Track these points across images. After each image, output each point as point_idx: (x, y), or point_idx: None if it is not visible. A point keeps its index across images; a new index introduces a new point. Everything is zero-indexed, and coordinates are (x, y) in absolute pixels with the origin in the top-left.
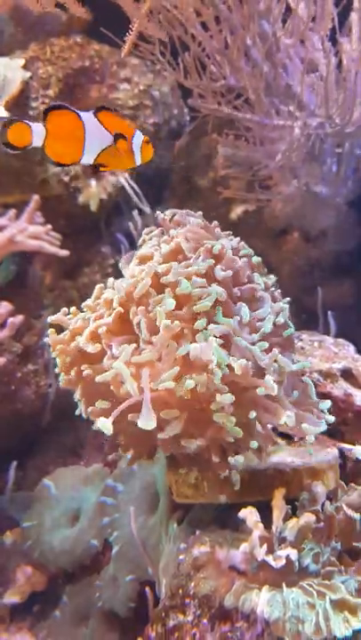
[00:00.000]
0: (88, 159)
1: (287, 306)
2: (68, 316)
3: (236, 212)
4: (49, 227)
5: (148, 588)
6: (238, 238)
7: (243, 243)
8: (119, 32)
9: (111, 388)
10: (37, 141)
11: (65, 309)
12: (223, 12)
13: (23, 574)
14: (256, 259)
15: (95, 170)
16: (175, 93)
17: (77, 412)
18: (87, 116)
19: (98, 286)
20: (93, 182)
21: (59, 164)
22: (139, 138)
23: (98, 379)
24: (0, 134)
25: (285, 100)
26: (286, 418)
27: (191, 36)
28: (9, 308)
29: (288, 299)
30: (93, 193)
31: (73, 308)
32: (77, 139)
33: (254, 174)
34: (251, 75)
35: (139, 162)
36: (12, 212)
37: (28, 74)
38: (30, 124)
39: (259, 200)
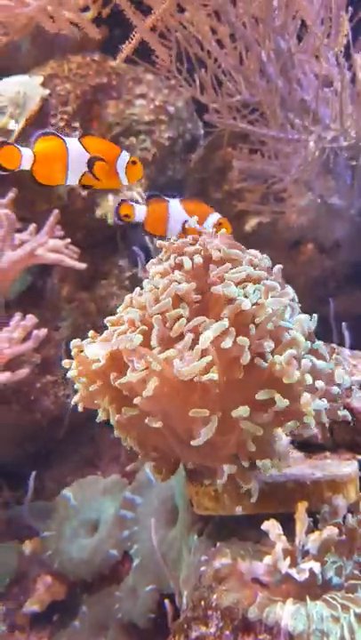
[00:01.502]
0: (73, 180)
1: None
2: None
3: (251, 223)
4: (68, 240)
5: (167, 600)
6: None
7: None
8: (135, 49)
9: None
10: (26, 165)
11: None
12: (239, 29)
13: (43, 584)
14: (277, 267)
15: (86, 188)
16: (190, 108)
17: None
18: (71, 142)
19: (124, 302)
20: (110, 196)
21: (44, 186)
22: (123, 159)
23: (122, 380)
24: None
25: (300, 114)
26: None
27: (207, 52)
28: (34, 321)
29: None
30: (110, 207)
31: (91, 332)
32: (61, 162)
33: (269, 187)
34: (266, 90)
35: (125, 182)
36: (33, 226)
37: (47, 91)
38: (21, 148)
39: (273, 212)
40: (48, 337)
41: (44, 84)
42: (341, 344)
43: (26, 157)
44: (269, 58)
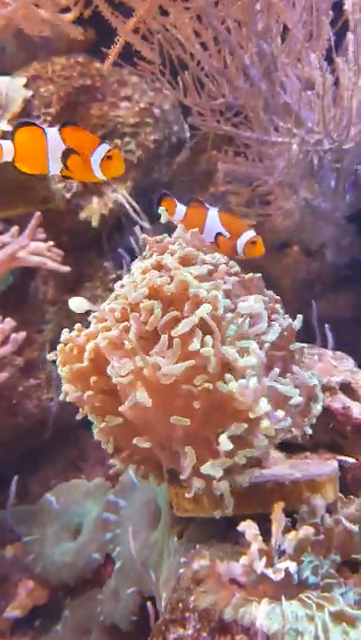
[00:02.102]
0: (55, 170)
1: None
2: (73, 333)
3: None
4: (51, 243)
5: (149, 603)
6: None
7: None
8: (121, 51)
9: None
10: (7, 157)
11: (66, 330)
12: (222, 33)
13: (25, 588)
14: (257, 275)
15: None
16: (176, 110)
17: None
18: (51, 132)
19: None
20: (95, 199)
21: (30, 174)
22: (99, 153)
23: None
24: None
25: (284, 117)
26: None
27: (190, 55)
28: (12, 324)
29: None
30: (95, 209)
31: (77, 325)
32: (41, 154)
33: (254, 190)
34: (249, 93)
35: (100, 176)
36: (15, 228)
37: (30, 92)
38: (0, 142)
39: (259, 215)
40: (31, 339)
41: (26, 86)
42: (325, 346)
43: (6, 150)
44: (252, 61)
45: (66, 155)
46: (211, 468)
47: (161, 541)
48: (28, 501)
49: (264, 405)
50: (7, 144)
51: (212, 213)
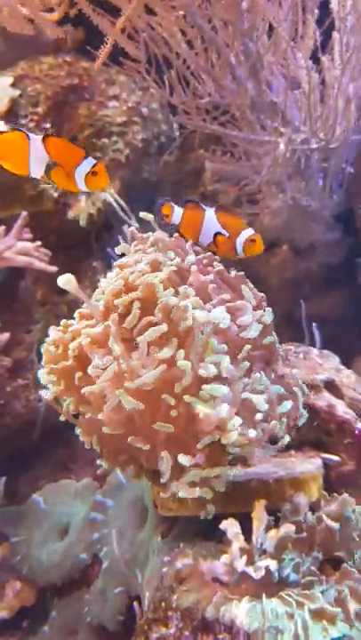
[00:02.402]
0: (36, 174)
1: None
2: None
3: None
4: (38, 243)
5: (136, 603)
6: (209, 254)
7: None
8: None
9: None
10: None
11: (53, 327)
12: (207, 31)
13: (12, 589)
14: (240, 273)
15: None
16: (164, 109)
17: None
18: (35, 139)
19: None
20: (83, 198)
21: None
22: (84, 168)
23: (85, 389)
24: None
25: (271, 116)
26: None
27: (176, 53)
28: None
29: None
30: (82, 208)
31: (63, 321)
32: (22, 156)
33: (241, 189)
34: (235, 92)
35: (84, 189)
36: (1, 228)
37: (17, 92)
38: None
39: (247, 214)
40: (19, 340)
41: (14, 85)
42: (314, 345)
43: None
44: (238, 60)
45: (49, 169)
46: (190, 477)
47: (147, 541)
48: (17, 502)
49: (235, 422)
50: None
51: (209, 214)
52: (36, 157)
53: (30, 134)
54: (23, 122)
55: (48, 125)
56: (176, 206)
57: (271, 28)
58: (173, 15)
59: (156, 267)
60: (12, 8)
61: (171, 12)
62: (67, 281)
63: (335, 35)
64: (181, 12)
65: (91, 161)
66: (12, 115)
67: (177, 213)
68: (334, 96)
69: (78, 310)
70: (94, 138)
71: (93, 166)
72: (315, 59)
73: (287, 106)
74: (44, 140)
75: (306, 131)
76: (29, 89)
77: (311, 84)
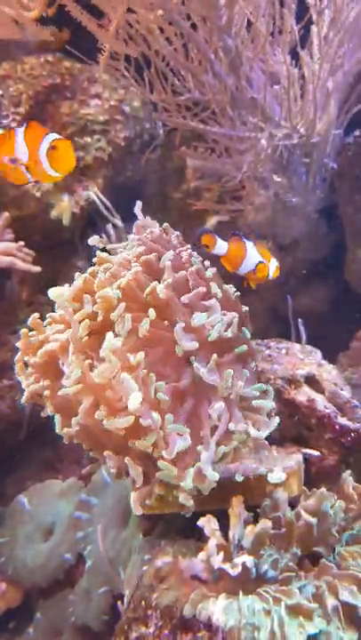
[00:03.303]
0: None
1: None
2: (32, 333)
3: (211, 222)
4: (21, 243)
5: (119, 602)
6: (189, 251)
7: (195, 254)
8: (90, 49)
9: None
10: None
11: (25, 331)
12: (185, 28)
13: None
14: (211, 270)
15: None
16: (147, 107)
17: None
18: (18, 131)
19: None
20: (66, 197)
21: None
22: (45, 144)
23: (60, 392)
24: None
25: (252, 112)
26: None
27: (155, 51)
28: None
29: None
30: (65, 207)
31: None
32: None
33: (223, 185)
34: (215, 88)
35: (49, 171)
36: None
37: None
38: None
39: (231, 210)
40: (4, 340)
41: None
42: (299, 340)
43: None
44: (217, 56)
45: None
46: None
47: (130, 539)
48: (3, 503)
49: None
50: None
51: (250, 246)
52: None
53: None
54: (5, 122)
55: None
56: (219, 239)
57: (250, 23)
58: (152, 12)
59: (120, 270)
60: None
61: (149, 10)
62: (58, 294)
63: (313, 29)
64: (160, 11)
65: (51, 135)
66: None
67: (221, 245)
68: (314, 91)
69: (49, 315)
70: (77, 136)
71: (54, 140)
72: (294, 54)
73: (267, 101)
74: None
75: (287, 126)
76: (11, 89)
77: (290, 79)
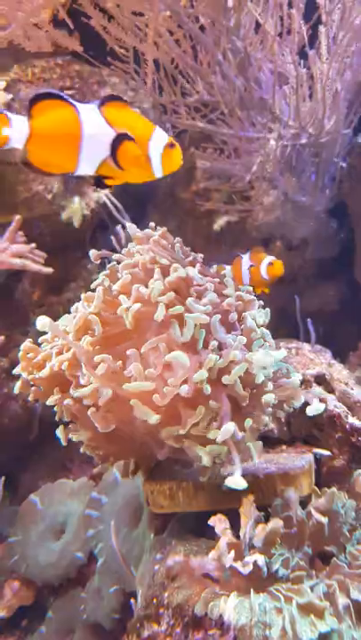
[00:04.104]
0: (86, 169)
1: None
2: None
3: (219, 223)
4: (33, 245)
5: (132, 600)
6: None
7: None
8: (100, 53)
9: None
10: (17, 141)
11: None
12: (193, 30)
13: (10, 589)
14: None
15: (99, 183)
16: (157, 110)
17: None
18: (87, 110)
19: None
20: (76, 199)
21: (44, 173)
22: (159, 142)
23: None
24: None
25: (260, 112)
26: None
27: (164, 52)
28: None
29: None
30: (76, 209)
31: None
32: (71, 142)
33: (233, 186)
34: (224, 89)
35: (159, 173)
36: None
37: (10, 96)
38: (10, 116)
39: (240, 211)
40: (16, 341)
41: (7, 89)
42: (308, 340)
43: (17, 130)
44: (225, 57)
45: (116, 143)
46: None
47: (142, 537)
48: (16, 502)
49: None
50: (20, 121)
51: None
52: (91, 139)
53: (77, 104)
54: None
55: None
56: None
57: (258, 24)
58: (160, 15)
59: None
60: (26, 28)
61: (157, 12)
62: (44, 324)
63: (322, 29)
64: (168, 13)
65: (161, 131)
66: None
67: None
68: (322, 91)
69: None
70: None
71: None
72: (303, 53)
73: (276, 102)
74: (99, 107)
75: (295, 126)
76: (22, 93)
77: (299, 80)
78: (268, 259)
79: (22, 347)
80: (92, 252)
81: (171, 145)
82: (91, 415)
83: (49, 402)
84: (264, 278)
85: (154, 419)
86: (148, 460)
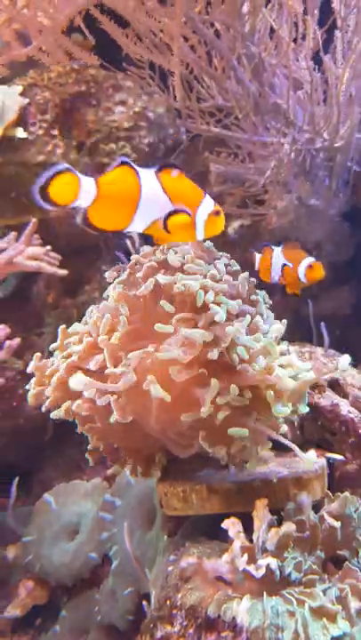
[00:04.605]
0: (137, 228)
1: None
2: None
3: (233, 226)
4: (48, 247)
5: (145, 602)
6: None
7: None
8: (115, 57)
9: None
10: (84, 201)
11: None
12: (208, 36)
13: (25, 588)
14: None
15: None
16: (171, 113)
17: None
18: (146, 175)
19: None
20: None
21: (97, 230)
22: (205, 209)
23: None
24: (40, 185)
25: (275, 117)
26: None
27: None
28: (7, 331)
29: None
30: None
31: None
32: (130, 203)
33: (246, 190)
34: (238, 94)
35: (201, 237)
36: (13, 234)
37: (26, 100)
38: (81, 176)
39: (254, 214)
40: (31, 343)
41: (23, 94)
42: (322, 344)
43: (86, 192)
44: (240, 62)
45: (169, 215)
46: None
47: (155, 539)
48: (31, 503)
49: None
50: (89, 183)
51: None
52: (148, 201)
53: (140, 170)
54: (32, 129)
55: (56, 132)
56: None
57: (273, 29)
58: (175, 21)
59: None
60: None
61: (172, 18)
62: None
63: (337, 34)
64: (183, 19)
65: (209, 200)
66: (21, 122)
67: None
68: (337, 95)
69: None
70: (102, 143)
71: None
72: (317, 58)
73: (290, 106)
74: (157, 174)
75: (310, 130)
76: (38, 97)
77: (313, 84)
78: (308, 260)
79: (31, 366)
80: (109, 274)
81: (216, 212)
82: (112, 403)
83: (60, 413)
84: (301, 281)
85: (168, 398)
86: (160, 457)
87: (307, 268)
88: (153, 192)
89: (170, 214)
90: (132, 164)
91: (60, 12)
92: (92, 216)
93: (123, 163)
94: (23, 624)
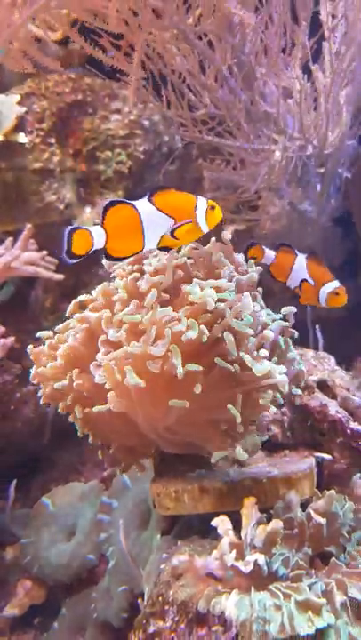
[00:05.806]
0: (151, 246)
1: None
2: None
3: (227, 231)
4: (44, 252)
5: (140, 600)
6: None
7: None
8: (111, 66)
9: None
10: (99, 245)
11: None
12: (199, 46)
13: (23, 588)
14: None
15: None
16: (166, 121)
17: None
18: (141, 204)
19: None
20: (88, 209)
21: (119, 259)
22: (201, 208)
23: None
24: (66, 246)
25: (266, 125)
26: None
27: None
28: (1, 330)
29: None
30: (87, 219)
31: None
32: (136, 231)
33: (239, 196)
34: (230, 102)
35: (206, 230)
36: (9, 240)
37: (23, 109)
38: (91, 230)
39: (247, 220)
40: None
41: (20, 103)
42: (317, 347)
43: (97, 237)
44: (231, 71)
45: (173, 232)
46: None
47: (150, 539)
48: (29, 505)
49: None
50: (98, 231)
51: (300, 260)
52: (150, 225)
53: (134, 203)
54: (30, 138)
55: (53, 140)
56: (266, 248)
57: (262, 39)
58: (167, 32)
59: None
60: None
61: (165, 30)
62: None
63: (325, 44)
64: (172, 29)
65: (202, 200)
66: (18, 131)
67: (268, 255)
68: (325, 104)
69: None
70: (98, 151)
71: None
72: (307, 68)
73: (281, 115)
74: (150, 199)
75: (300, 138)
76: (35, 106)
77: (303, 93)
78: (333, 285)
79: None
80: (106, 262)
81: (212, 207)
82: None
83: (57, 385)
84: (320, 304)
85: (141, 384)
86: (148, 452)
87: (330, 294)
88: (152, 216)
89: (175, 229)
90: (124, 199)
91: (20, 14)
92: (111, 252)
93: (112, 203)
94: (22, 623)
